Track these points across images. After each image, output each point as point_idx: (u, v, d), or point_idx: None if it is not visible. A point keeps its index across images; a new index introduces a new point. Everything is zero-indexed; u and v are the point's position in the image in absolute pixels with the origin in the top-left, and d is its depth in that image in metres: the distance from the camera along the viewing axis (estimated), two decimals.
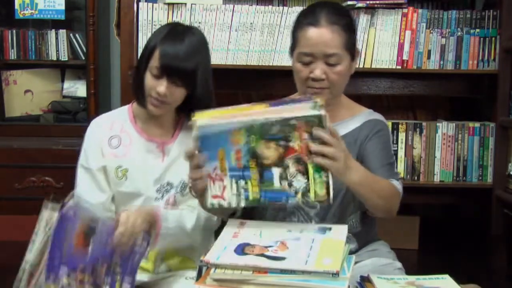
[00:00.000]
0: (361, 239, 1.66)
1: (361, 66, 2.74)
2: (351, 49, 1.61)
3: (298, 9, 2.75)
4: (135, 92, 1.70)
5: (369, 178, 1.43)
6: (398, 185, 1.61)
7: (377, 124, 1.69)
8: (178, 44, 1.60)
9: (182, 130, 1.75)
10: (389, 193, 1.54)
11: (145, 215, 1.52)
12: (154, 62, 1.60)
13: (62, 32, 3.25)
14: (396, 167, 1.72)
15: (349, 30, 1.61)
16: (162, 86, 1.60)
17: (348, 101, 1.75)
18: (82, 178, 1.70)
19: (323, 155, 1.26)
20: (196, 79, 1.62)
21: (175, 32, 1.64)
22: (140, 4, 2.71)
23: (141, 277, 1.75)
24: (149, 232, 1.52)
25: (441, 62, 2.78)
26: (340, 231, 1.33)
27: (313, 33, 1.57)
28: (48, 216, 1.44)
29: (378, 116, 1.73)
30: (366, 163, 1.60)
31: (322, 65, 1.58)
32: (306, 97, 1.35)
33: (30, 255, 1.40)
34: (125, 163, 1.69)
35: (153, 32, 1.80)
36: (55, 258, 1.36)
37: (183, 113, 1.73)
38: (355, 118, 1.69)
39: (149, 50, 1.62)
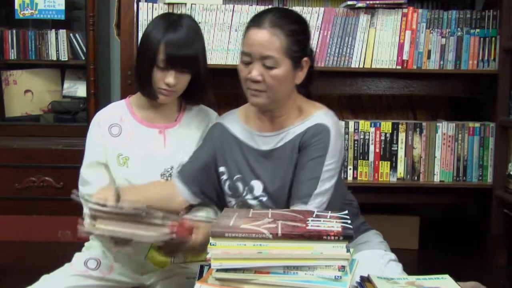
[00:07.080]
0: None
1: (361, 66, 2.73)
2: (293, 56, 1.58)
3: (298, 9, 2.75)
4: (141, 87, 1.73)
5: None
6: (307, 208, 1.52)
7: (318, 132, 1.61)
8: (179, 34, 1.65)
9: (185, 112, 1.80)
10: None
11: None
12: (160, 56, 1.64)
13: (62, 32, 3.24)
14: (327, 180, 1.58)
15: (294, 36, 1.58)
16: (171, 77, 1.66)
17: (303, 103, 1.70)
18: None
19: None
20: (199, 63, 1.69)
21: (172, 24, 1.67)
22: (140, 4, 2.70)
23: (143, 278, 1.76)
24: None
25: (441, 62, 2.78)
26: None
27: (253, 33, 1.58)
28: None
29: (326, 119, 1.64)
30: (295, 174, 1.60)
31: (260, 66, 1.57)
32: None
33: None
34: (125, 151, 1.72)
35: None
36: None
37: (184, 95, 1.77)
38: (304, 123, 1.65)
39: (151, 45, 1.65)
